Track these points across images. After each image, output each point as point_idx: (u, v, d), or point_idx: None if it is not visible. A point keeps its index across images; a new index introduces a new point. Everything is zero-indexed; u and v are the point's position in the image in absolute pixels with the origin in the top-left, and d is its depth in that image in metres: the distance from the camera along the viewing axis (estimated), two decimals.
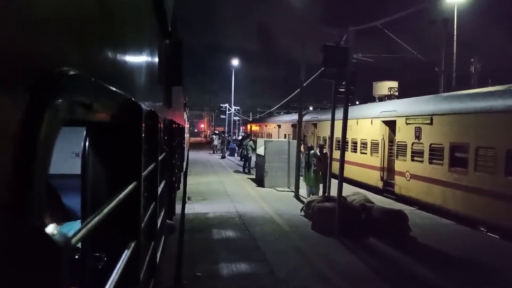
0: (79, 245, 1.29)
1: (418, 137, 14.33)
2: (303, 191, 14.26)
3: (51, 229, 0.62)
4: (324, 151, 13.55)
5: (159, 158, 2.50)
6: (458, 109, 12.52)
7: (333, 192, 11.38)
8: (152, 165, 2.12)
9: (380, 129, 17.25)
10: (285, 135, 33.92)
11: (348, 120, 9.88)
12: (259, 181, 17.43)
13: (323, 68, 10.28)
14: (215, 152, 38.03)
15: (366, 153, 18.46)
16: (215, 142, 39.55)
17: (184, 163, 12.60)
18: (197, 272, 6.84)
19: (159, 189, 2.63)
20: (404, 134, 15.22)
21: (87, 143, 1.37)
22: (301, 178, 14.52)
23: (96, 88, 0.88)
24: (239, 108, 62.18)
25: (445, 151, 12.84)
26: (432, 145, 13.56)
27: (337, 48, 9.71)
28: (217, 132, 50.17)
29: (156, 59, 2.37)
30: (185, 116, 14.30)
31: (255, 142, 22.51)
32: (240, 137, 41.11)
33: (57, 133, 0.65)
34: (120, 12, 1.27)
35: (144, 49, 1.85)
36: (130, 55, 1.42)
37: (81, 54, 0.80)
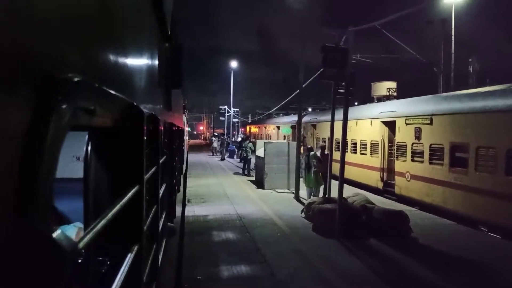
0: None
1: (418, 137, 14.31)
2: (303, 192, 14.22)
3: (57, 234, 0.62)
4: (326, 152, 13.50)
5: (160, 161, 2.51)
6: (458, 109, 12.50)
7: (333, 193, 11.35)
8: (154, 169, 2.12)
9: (380, 129, 17.22)
10: (284, 136, 33.88)
11: (347, 121, 9.84)
12: (259, 183, 17.38)
13: (322, 69, 10.25)
14: (215, 154, 37.98)
15: (365, 154, 18.43)
16: (215, 144, 39.50)
17: (184, 166, 12.57)
18: (198, 275, 6.79)
19: (160, 192, 2.64)
20: (404, 135, 15.19)
21: (89, 148, 1.38)
22: (301, 180, 14.48)
23: (100, 93, 0.90)
24: (238, 109, 62.13)
25: (445, 151, 12.82)
26: (432, 145, 13.54)
27: (337, 49, 9.69)
28: (216, 134, 50.13)
29: (156, 62, 2.37)
30: (185, 119, 14.27)
31: (254, 144, 22.48)
32: (239, 139, 41.09)
33: (63, 138, 0.66)
34: (121, 16, 1.27)
35: (144, 52, 1.85)
36: (131, 59, 1.43)
37: (84, 59, 0.82)
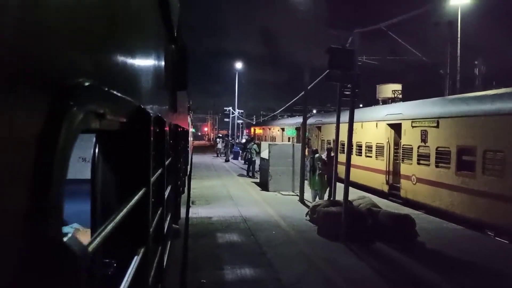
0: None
1: (424, 140, 14.18)
2: (308, 195, 14.13)
3: (68, 237, 0.62)
4: (332, 154, 13.37)
5: (166, 163, 2.51)
6: (465, 111, 12.36)
7: (338, 196, 11.26)
8: (160, 170, 2.12)
9: (386, 132, 17.11)
10: (289, 138, 33.79)
11: (353, 123, 9.76)
12: (264, 185, 17.31)
13: (328, 71, 10.17)
14: (219, 155, 37.97)
15: (371, 157, 18.31)
16: (219, 146, 39.50)
17: (188, 167, 12.54)
18: (202, 279, 6.73)
19: (166, 194, 2.64)
20: (410, 137, 15.07)
21: (96, 150, 1.39)
22: (306, 182, 14.39)
23: (109, 97, 0.92)
24: (242, 111, 62.16)
25: (452, 154, 12.69)
26: (439, 149, 13.41)
27: (343, 51, 9.61)
28: (221, 135, 50.11)
29: (163, 64, 2.37)
30: (189, 120, 14.26)
31: (259, 146, 22.42)
32: (243, 140, 41.04)
33: (75, 142, 0.67)
34: (129, 19, 1.28)
35: (151, 55, 1.86)
36: (138, 62, 1.45)
37: (94, 63, 0.83)
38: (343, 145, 17.56)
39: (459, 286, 6.82)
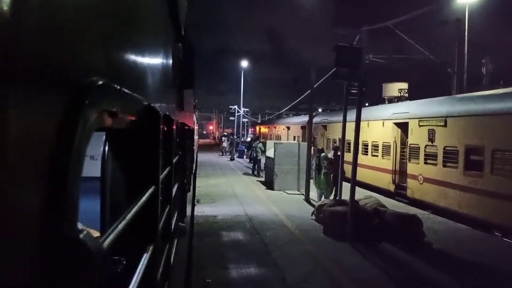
0: None
1: (431, 139, 14.04)
2: (313, 194, 14.06)
3: (83, 234, 0.63)
4: (338, 153, 13.25)
5: (173, 161, 2.52)
6: (474, 110, 12.21)
7: (344, 195, 11.18)
8: (168, 169, 2.14)
9: (392, 131, 16.97)
10: (294, 137, 33.68)
11: (360, 122, 9.66)
12: (269, 184, 17.26)
13: (335, 69, 10.08)
14: (224, 154, 37.97)
15: (377, 156, 18.18)
16: (224, 144, 39.50)
17: (194, 165, 12.53)
18: (207, 278, 6.69)
19: (173, 192, 2.66)
20: (417, 137, 14.93)
21: (106, 148, 1.39)
22: (311, 181, 14.30)
23: (121, 96, 0.93)
24: (247, 109, 62.07)
25: (459, 154, 12.54)
26: (446, 148, 13.26)
27: (350, 49, 9.52)
28: (226, 134, 50.10)
29: (170, 63, 2.39)
30: (195, 118, 14.24)
31: (264, 144, 22.35)
32: (248, 139, 40.98)
33: (89, 140, 0.68)
34: (138, 18, 1.29)
35: (160, 53, 1.87)
36: (148, 61, 1.45)
37: (106, 62, 0.85)
38: (349, 144, 17.47)
39: (467, 287, 6.74)
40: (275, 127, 45.65)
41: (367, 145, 18.92)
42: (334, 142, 21.92)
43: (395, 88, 22.35)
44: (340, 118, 12.05)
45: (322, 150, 14.35)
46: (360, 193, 12.71)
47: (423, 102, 16.06)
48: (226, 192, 15.88)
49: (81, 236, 0.62)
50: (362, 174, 17.61)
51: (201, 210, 12.02)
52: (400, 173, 16.56)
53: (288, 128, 37.82)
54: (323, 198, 13.24)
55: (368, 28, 10.05)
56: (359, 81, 9.55)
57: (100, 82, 0.73)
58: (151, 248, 1.47)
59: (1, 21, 0.43)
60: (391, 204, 13.10)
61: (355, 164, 9.58)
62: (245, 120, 60.87)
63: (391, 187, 16.84)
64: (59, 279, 0.59)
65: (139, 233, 1.37)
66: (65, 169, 0.59)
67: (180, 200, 4.24)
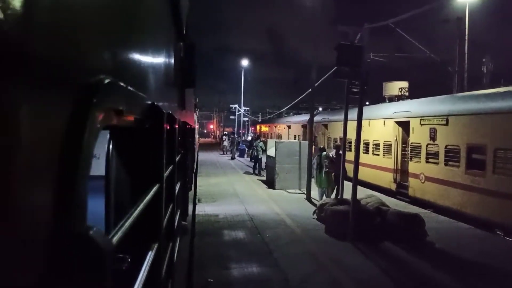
0: None
1: (433, 138, 13.99)
2: (314, 193, 14.02)
3: (93, 231, 0.63)
4: (340, 152, 13.21)
5: (176, 160, 2.54)
6: (476, 109, 12.16)
7: (346, 194, 11.15)
8: (171, 167, 2.15)
9: (393, 130, 16.92)
10: (295, 136, 33.64)
11: (362, 121, 9.62)
12: (270, 183, 17.23)
13: (336, 67, 10.04)
14: (225, 153, 37.94)
15: (378, 155, 18.13)
16: (225, 143, 39.48)
17: (195, 164, 12.51)
18: (208, 277, 6.66)
19: (176, 191, 2.67)
20: (418, 135, 14.88)
21: (110, 146, 1.40)
22: (313, 180, 14.27)
23: (128, 94, 0.95)
24: (248, 108, 62.03)
25: (461, 152, 12.49)
26: (448, 147, 13.22)
27: (351, 47, 9.47)
28: (226, 133, 50.07)
29: (173, 62, 2.40)
30: (195, 117, 14.20)
31: (265, 143, 22.32)
32: (249, 138, 40.95)
33: (97, 138, 0.68)
34: (142, 18, 1.30)
35: (163, 53, 1.89)
36: (151, 59, 1.47)
37: (111, 61, 0.85)
38: (350, 143, 17.43)
39: (469, 287, 6.70)
40: (275, 126, 45.60)
41: (368, 144, 18.87)
42: (335, 141, 21.89)
43: (395, 87, 22.30)
44: (341, 117, 11.99)
45: (323, 149, 14.31)
46: (361, 192, 12.68)
47: (425, 100, 16.00)
48: (227, 191, 15.85)
49: (91, 233, 0.62)
50: (363, 173, 17.57)
51: (202, 209, 11.99)
52: (402, 172, 16.51)
53: (289, 127, 37.77)
54: (324, 197, 13.20)
55: (370, 27, 10.00)
56: (360, 79, 9.51)
57: (108, 81, 0.74)
58: (155, 246, 1.48)
59: (9, 22, 0.43)
60: (393, 203, 13.07)
61: (357, 163, 9.54)
62: (245, 119, 60.85)
63: (393, 186, 16.80)
64: (71, 276, 0.59)
65: (144, 231, 1.38)
66: (76, 168, 0.59)
67: (182, 198, 4.23)
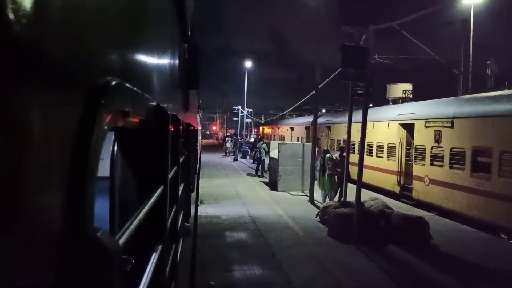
0: None
1: (438, 140, 13.89)
2: (317, 195, 13.93)
3: (101, 232, 0.63)
4: (344, 154, 13.10)
5: (180, 161, 2.53)
6: (481, 112, 12.05)
7: (349, 197, 11.06)
8: (175, 169, 2.14)
9: (398, 132, 16.83)
10: (298, 138, 33.56)
11: (366, 123, 9.54)
12: (273, 185, 17.16)
13: (340, 69, 9.97)
14: (228, 154, 37.90)
15: (382, 157, 18.03)
16: (228, 145, 39.44)
17: (198, 165, 12.48)
18: (210, 280, 6.59)
19: (179, 192, 2.68)
20: (423, 138, 14.78)
21: (115, 148, 1.40)
22: (316, 182, 14.18)
23: (134, 96, 0.94)
24: (251, 110, 61.92)
25: (466, 155, 12.39)
26: (453, 149, 13.11)
27: (356, 48, 9.39)
28: (229, 134, 50.04)
29: (177, 63, 2.40)
30: (198, 119, 14.19)
31: (268, 145, 22.26)
32: (252, 140, 40.91)
33: (104, 140, 0.68)
34: (148, 19, 1.29)
35: (168, 54, 1.88)
36: (156, 61, 1.46)
37: (118, 62, 0.85)
38: (354, 145, 17.32)
39: None
40: (278, 128, 45.54)
41: (372, 146, 18.77)
42: (339, 143, 21.80)
43: (399, 89, 22.22)
44: (345, 119, 11.94)
45: (327, 151, 14.23)
46: (365, 194, 12.59)
47: (430, 103, 15.90)
48: (229, 193, 15.78)
49: (98, 234, 0.63)
50: (367, 176, 17.43)
51: (204, 210, 11.93)
52: (406, 175, 16.41)
53: (292, 128, 37.70)
54: (327, 199, 13.12)
55: (375, 28, 9.92)
56: (365, 81, 9.43)
57: (115, 82, 0.74)
58: (159, 247, 1.48)
59: (19, 23, 0.43)
60: (396, 205, 12.97)
61: (361, 165, 9.46)
62: (248, 120, 60.76)
63: (396, 189, 16.69)
64: (78, 277, 0.59)
65: (148, 233, 1.38)
66: (84, 169, 0.60)
67: (186, 200, 4.20)
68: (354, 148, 17.60)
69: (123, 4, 0.94)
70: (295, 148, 16.80)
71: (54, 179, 0.54)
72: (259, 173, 22.16)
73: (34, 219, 0.48)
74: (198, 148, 13.12)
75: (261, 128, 63.39)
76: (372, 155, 18.67)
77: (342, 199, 11.73)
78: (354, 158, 13.78)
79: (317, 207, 12.49)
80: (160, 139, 1.50)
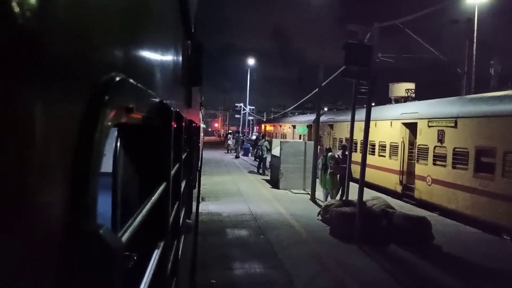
0: None
1: (441, 140, 13.80)
2: (319, 194, 13.89)
3: (103, 230, 0.63)
4: (346, 153, 13.02)
5: (182, 157, 2.54)
6: (485, 111, 11.96)
7: (351, 196, 11.01)
8: (177, 165, 2.14)
9: (400, 131, 16.75)
10: (300, 136, 33.48)
11: (370, 121, 9.48)
12: (274, 183, 17.12)
13: (344, 67, 9.90)
14: (229, 152, 37.87)
15: (384, 156, 17.96)
16: (230, 142, 39.42)
17: (199, 162, 12.46)
18: (211, 278, 6.56)
19: (181, 189, 2.68)
20: (426, 137, 14.70)
21: (118, 144, 1.40)
22: (317, 181, 14.12)
23: (138, 92, 0.95)
24: (253, 107, 61.87)
25: (470, 155, 12.31)
26: (456, 149, 13.03)
27: (360, 46, 9.32)
28: (231, 131, 50.01)
29: (180, 60, 2.41)
30: (200, 116, 14.16)
31: (270, 143, 22.22)
32: (254, 137, 40.88)
33: (108, 136, 0.68)
34: (152, 15, 1.29)
35: (171, 50, 1.88)
36: (160, 57, 1.46)
37: (122, 58, 0.85)
38: (356, 144, 17.24)
39: None
40: (280, 126, 45.44)
41: (374, 145, 18.69)
42: (341, 141, 21.73)
43: (402, 88, 22.12)
44: (347, 117, 11.84)
45: (329, 150, 14.16)
46: (366, 193, 12.53)
47: (433, 102, 15.80)
48: (231, 190, 15.76)
49: (101, 231, 0.62)
50: (368, 174, 17.31)
51: (205, 208, 11.90)
52: (408, 174, 16.34)
53: (294, 126, 37.62)
54: (329, 198, 13.07)
55: (379, 26, 9.84)
56: (369, 79, 9.36)
57: (119, 78, 0.74)
58: (161, 244, 1.48)
59: (23, 20, 0.43)
60: (398, 205, 12.91)
61: (363, 164, 9.40)
62: (250, 118, 60.71)
63: (398, 188, 16.63)
64: (80, 274, 0.59)
65: (151, 229, 1.38)
66: (88, 166, 0.59)
67: (187, 197, 4.18)
68: (356, 146, 17.52)
69: (128, 0, 0.94)
70: (297, 146, 16.75)
71: (57, 175, 0.54)
72: (260, 171, 22.13)
73: (37, 216, 0.48)
74: (200, 145, 13.11)
75: (263, 126, 63.31)
76: (374, 154, 18.60)
77: (343, 198, 11.69)
78: (356, 156, 13.73)
79: (319, 205, 12.44)
80: (163, 136, 1.50)
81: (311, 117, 29.02)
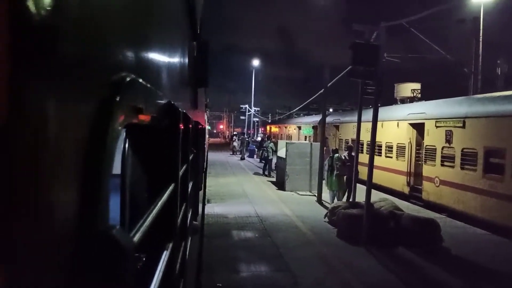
0: None
1: (449, 141, 13.65)
2: (325, 195, 13.78)
3: (116, 230, 0.63)
4: (352, 154, 12.89)
5: (190, 159, 2.54)
6: (494, 111, 11.80)
7: (358, 197, 10.91)
8: (185, 166, 2.14)
9: (407, 132, 16.60)
10: (305, 137, 33.37)
11: (377, 122, 9.38)
12: (280, 184, 17.04)
13: (350, 67, 9.81)
14: (235, 153, 37.84)
15: (391, 157, 17.80)
16: (235, 143, 39.40)
17: (205, 164, 12.43)
18: (217, 281, 6.50)
19: (189, 190, 2.68)
20: (434, 138, 14.54)
21: (126, 144, 1.40)
22: (324, 182, 14.02)
23: (148, 92, 0.95)
24: (258, 109, 61.78)
25: (478, 156, 12.14)
26: (465, 150, 12.86)
27: (367, 46, 9.22)
28: (236, 133, 50.00)
29: (187, 61, 2.41)
30: (206, 117, 14.15)
31: (276, 144, 22.15)
32: (259, 139, 40.82)
33: (120, 136, 0.68)
34: (161, 17, 1.30)
35: (179, 51, 1.89)
36: (168, 58, 1.46)
37: (132, 59, 0.85)
38: (362, 145, 17.11)
39: None
40: (286, 127, 45.33)
41: (380, 146, 18.53)
42: (346, 142, 21.59)
43: (407, 88, 21.98)
44: (353, 118, 11.73)
45: (336, 151, 14.04)
46: (373, 195, 12.40)
47: (440, 102, 15.64)
48: (236, 192, 15.70)
49: (114, 231, 0.62)
50: (375, 176, 17.16)
51: (211, 209, 11.85)
52: (415, 175, 16.17)
53: (299, 128, 37.50)
54: (335, 200, 12.96)
55: (386, 25, 9.74)
56: (375, 79, 9.27)
57: (130, 79, 0.74)
58: (170, 245, 1.49)
59: (36, 21, 0.43)
60: (405, 206, 12.79)
61: (371, 165, 9.30)
62: (255, 119, 60.64)
63: (406, 189, 16.47)
64: (93, 274, 0.59)
65: (159, 230, 1.38)
66: (100, 166, 0.59)
67: (194, 198, 4.15)
68: (362, 148, 17.39)
69: (136, 2, 0.95)
70: (303, 148, 16.66)
71: (70, 176, 0.54)
72: (266, 172, 22.06)
73: (50, 215, 0.49)
74: (205, 146, 13.09)
75: (268, 127, 63.21)
76: (381, 155, 18.44)
77: (350, 200, 11.58)
78: (362, 158, 13.61)
79: (325, 207, 12.35)
80: (171, 136, 1.50)
81: (317, 118, 28.91)
